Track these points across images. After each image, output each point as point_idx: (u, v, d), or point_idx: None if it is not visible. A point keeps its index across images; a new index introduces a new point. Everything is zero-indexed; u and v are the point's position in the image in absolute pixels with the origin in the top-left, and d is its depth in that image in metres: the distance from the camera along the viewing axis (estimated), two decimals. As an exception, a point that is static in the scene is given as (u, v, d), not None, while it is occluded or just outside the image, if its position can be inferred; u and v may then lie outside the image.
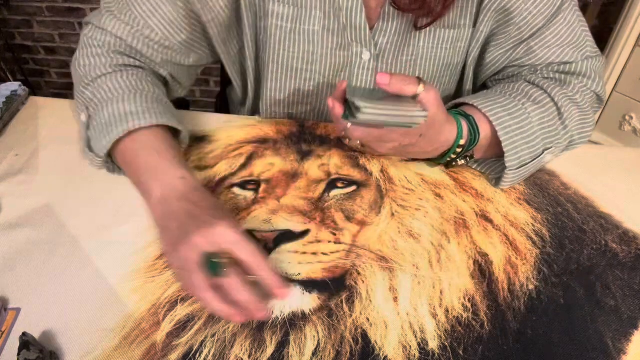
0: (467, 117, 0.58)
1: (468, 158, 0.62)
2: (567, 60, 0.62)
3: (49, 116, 0.74)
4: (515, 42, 0.63)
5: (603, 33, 1.68)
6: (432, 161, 0.64)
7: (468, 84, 0.71)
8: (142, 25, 0.61)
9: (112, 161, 0.60)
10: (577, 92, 0.62)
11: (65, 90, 2.33)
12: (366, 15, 0.62)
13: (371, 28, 0.64)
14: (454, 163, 0.61)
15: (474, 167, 0.65)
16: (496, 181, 0.62)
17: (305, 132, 0.70)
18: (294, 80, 0.71)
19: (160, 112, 0.57)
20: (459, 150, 0.58)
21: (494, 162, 0.63)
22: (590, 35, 0.64)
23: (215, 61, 0.74)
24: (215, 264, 0.43)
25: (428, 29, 0.63)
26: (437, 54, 0.67)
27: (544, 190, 0.63)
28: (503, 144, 0.57)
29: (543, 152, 0.59)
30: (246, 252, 0.44)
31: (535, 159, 0.59)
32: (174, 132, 0.60)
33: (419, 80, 0.49)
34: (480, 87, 0.74)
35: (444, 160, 0.61)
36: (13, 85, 0.77)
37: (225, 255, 0.44)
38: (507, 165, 0.58)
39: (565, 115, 0.60)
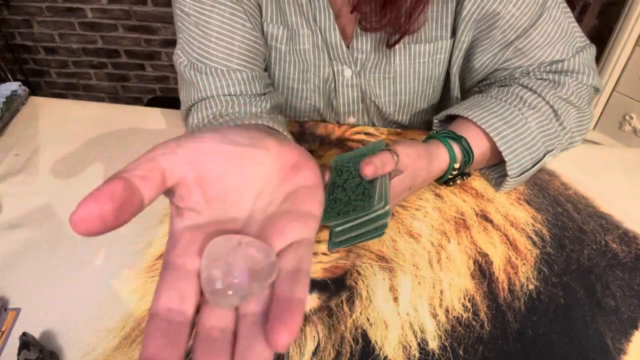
0: (459, 139, 0.57)
1: (465, 177, 0.62)
2: (559, 58, 0.61)
3: (49, 116, 0.75)
4: (501, 44, 0.62)
5: (603, 33, 1.68)
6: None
7: (455, 92, 0.70)
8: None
9: None
10: (571, 93, 0.61)
11: (65, 90, 2.33)
12: (342, 33, 0.63)
13: (349, 45, 0.64)
14: (451, 183, 0.61)
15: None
16: (496, 185, 0.62)
17: (305, 132, 0.70)
18: (291, 97, 0.72)
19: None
20: (454, 172, 0.58)
21: (494, 166, 0.63)
22: (577, 26, 0.63)
23: None
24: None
25: (403, 45, 0.63)
26: (416, 69, 0.66)
27: (544, 190, 0.63)
28: (503, 154, 0.56)
29: (544, 156, 0.59)
30: None
31: (536, 164, 0.59)
32: None
33: (389, 151, 0.49)
34: (468, 91, 0.73)
35: (441, 181, 0.61)
36: (13, 85, 0.77)
37: None
38: (508, 173, 0.57)
39: (562, 117, 0.60)
